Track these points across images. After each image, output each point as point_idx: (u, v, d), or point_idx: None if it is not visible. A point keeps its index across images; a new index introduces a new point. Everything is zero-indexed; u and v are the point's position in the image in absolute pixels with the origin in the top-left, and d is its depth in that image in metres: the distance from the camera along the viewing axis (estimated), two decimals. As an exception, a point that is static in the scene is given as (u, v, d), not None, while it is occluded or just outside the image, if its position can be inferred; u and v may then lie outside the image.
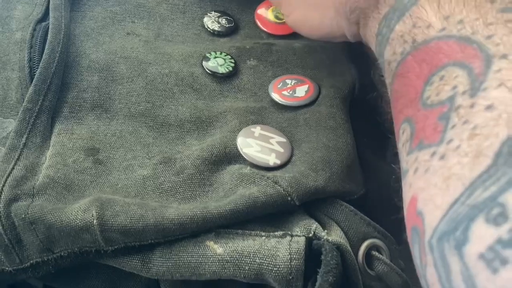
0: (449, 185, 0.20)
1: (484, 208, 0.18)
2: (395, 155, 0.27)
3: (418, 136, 0.23)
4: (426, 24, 0.24)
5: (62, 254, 0.27)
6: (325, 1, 0.29)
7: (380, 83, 0.29)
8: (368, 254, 0.28)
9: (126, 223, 0.26)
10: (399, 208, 0.28)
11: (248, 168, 0.29)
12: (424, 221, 0.21)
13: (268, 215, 0.27)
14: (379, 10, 0.27)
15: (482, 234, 0.18)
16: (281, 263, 0.25)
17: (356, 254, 0.27)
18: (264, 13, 0.39)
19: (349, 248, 0.27)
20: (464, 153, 0.20)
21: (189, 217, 0.26)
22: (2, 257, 0.27)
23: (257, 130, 0.31)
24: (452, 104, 0.21)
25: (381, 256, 0.28)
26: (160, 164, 0.30)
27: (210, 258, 0.26)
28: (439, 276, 0.19)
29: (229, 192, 0.28)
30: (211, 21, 0.39)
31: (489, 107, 0.20)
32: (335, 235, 0.27)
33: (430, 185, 0.21)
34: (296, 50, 0.37)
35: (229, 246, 0.26)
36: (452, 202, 0.19)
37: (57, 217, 0.26)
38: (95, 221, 0.26)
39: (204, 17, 0.39)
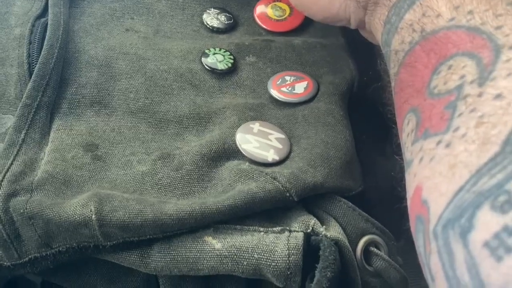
0: (454, 172, 0.20)
1: (491, 195, 0.18)
2: (397, 146, 0.27)
3: (424, 125, 0.23)
4: (435, 13, 0.24)
5: (60, 249, 0.27)
6: None
7: (386, 73, 0.29)
8: (366, 250, 0.28)
9: (125, 218, 0.26)
10: (398, 203, 0.28)
11: (247, 164, 0.29)
12: (429, 209, 0.21)
13: (267, 211, 0.27)
14: None
15: (487, 222, 0.18)
16: (279, 259, 0.25)
17: (354, 250, 0.28)
18: (263, 10, 0.39)
19: (347, 243, 0.27)
20: (471, 141, 0.20)
21: (188, 212, 0.26)
22: (1, 252, 0.27)
23: (256, 126, 0.31)
24: (460, 93, 0.21)
25: (379, 252, 0.28)
26: (159, 160, 0.30)
27: (209, 253, 0.26)
28: (442, 264, 0.19)
29: (227, 188, 0.28)
30: (210, 18, 0.39)
31: (497, 96, 0.20)
32: (334, 231, 0.27)
33: (435, 173, 0.21)
34: (295, 46, 0.37)
35: (227, 242, 0.26)
36: (457, 189, 0.19)
37: (55, 212, 0.26)
38: (93, 216, 0.26)
39: (203, 14, 0.39)
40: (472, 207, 0.18)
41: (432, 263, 0.20)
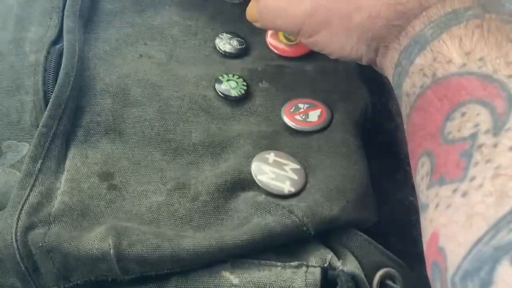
0: (472, 223, 0.20)
1: (510, 250, 0.18)
2: (413, 187, 0.27)
3: (439, 170, 0.23)
4: (446, 59, 0.24)
5: (78, 282, 0.27)
6: (349, 28, 0.29)
7: (397, 114, 0.29)
8: (382, 283, 0.28)
9: (143, 253, 0.26)
10: (411, 234, 0.28)
11: (263, 196, 0.29)
12: (446, 257, 0.21)
13: (283, 244, 0.28)
14: (400, 41, 0.27)
15: (507, 277, 0.18)
16: (297, 295, 0.25)
17: (370, 283, 0.28)
18: (275, 34, 0.40)
19: (364, 278, 0.27)
20: (488, 192, 0.20)
21: (205, 247, 0.26)
22: (19, 285, 0.27)
23: (271, 156, 0.31)
24: (475, 141, 0.21)
25: (395, 285, 0.28)
26: (175, 190, 0.30)
27: (226, 289, 0.26)
28: None
29: (244, 221, 0.28)
30: (223, 43, 0.39)
31: None
32: (350, 265, 0.27)
33: (452, 222, 0.21)
34: (307, 72, 0.37)
35: (245, 277, 0.26)
36: (475, 240, 0.20)
37: (74, 246, 0.27)
38: (111, 250, 0.26)
39: (215, 39, 0.39)
40: (491, 261, 0.18)
41: None
